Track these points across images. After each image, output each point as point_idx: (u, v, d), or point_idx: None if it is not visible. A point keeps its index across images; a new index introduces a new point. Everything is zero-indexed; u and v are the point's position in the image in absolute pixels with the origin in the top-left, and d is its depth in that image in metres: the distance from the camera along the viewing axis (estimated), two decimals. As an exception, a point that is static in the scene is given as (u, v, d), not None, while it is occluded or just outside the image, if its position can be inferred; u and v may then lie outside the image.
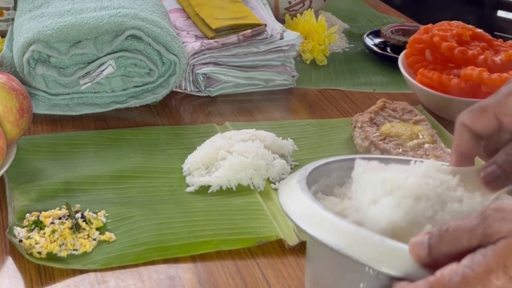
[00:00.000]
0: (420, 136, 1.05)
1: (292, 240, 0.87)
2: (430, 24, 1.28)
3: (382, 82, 1.34)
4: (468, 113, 0.66)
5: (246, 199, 0.95)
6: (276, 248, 0.87)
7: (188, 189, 0.96)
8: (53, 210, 0.88)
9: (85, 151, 1.05)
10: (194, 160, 1.00)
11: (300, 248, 0.86)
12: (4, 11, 1.38)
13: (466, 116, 0.66)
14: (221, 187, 0.96)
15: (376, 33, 1.51)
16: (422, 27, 1.28)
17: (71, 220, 0.87)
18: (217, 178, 0.96)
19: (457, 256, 0.54)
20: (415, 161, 0.68)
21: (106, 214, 0.90)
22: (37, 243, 0.83)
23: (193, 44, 1.24)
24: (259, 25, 1.27)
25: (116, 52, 1.14)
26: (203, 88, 1.24)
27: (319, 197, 0.72)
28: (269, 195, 0.96)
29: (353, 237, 0.57)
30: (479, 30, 1.26)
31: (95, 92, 1.16)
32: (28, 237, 0.84)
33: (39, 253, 0.83)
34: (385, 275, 0.56)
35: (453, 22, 1.27)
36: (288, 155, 1.04)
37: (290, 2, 1.55)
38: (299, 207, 0.64)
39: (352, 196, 0.67)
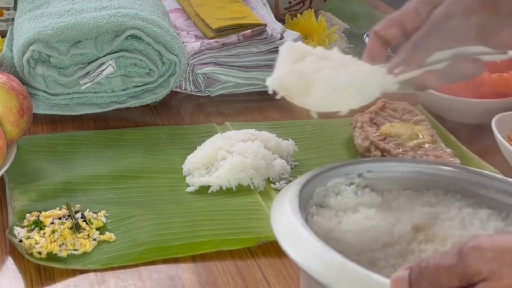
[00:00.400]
0: (420, 136, 1.05)
1: (292, 240, 0.87)
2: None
3: (382, 82, 1.34)
4: (380, 24, 0.76)
5: (246, 199, 0.95)
6: (276, 248, 0.87)
7: (188, 189, 0.97)
8: (53, 210, 0.88)
9: (85, 151, 1.05)
10: (194, 160, 1.00)
11: (300, 248, 0.86)
12: (4, 11, 1.38)
13: (379, 26, 0.76)
14: (221, 187, 0.96)
15: (376, 33, 1.51)
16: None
17: (71, 220, 0.87)
18: (217, 178, 0.96)
19: None
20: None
21: (106, 214, 0.90)
22: (37, 243, 0.83)
23: (193, 44, 1.24)
24: (259, 25, 1.27)
25: (116, 52, 1.14)
26: (203, 88, 1.24)
27: (313, 213, 0.73)
28: (269, 195, 0.96)
29: (340, 270, 0.59)
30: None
31: (95, 92, 1.16)
32: (28, 237, 0.84)
33: (39, 253, 0.83)
34: None
35: (453, 22, 1.27)
36: (288, 155, 1.04)
37: (290, 2, 1.55)
38: (290, 236, 0.66)
39: None
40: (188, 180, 0.98)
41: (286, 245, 0.65)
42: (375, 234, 0.70)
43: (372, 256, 0.68)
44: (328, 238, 0.70)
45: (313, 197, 0.75)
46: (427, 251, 0.68)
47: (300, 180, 0.74)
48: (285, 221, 0.67)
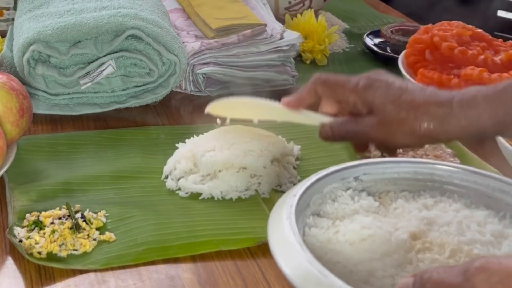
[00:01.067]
0: (420, 136, 1.05)
1: (292, 240, 0.87)
2: (430, 24, 1.28)
3: (382, 82, 1.34)
4: (322, 83, 0.88)
5: (246, 200, 0.95)
6: (276, 248, 0.87)
7: (181, 194, 0.96)
8: (53, 210, 0.88)
9: (85, 151, 1.05)
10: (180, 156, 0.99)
11: (300, 248, 0.86)
12: (4, 11, 1.38)
13: (320, 84, 0.88)
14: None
15: (376, 33, 1.51)
16: (422, 27, 1.28)
17: (71, 220, 0.87)
18: (214, 188, 0.95)
19: None
20: None
21: (106, 214, 0.90)
22: (37, 243, 0.83)
23: (193, 44, 1.24)
24: (259, 25, 1.27)
25: (116, 52, 1.14)
26: (203, 88, 1.24)
27: (310, 224, 0.73)
28: (269, 195, 0.96)
29: None
30: (479, 30, 1.26)
31: (95, 92, 1.16)
32: (28, 237, 0.84)
33: (39, 253, 0.83)
34: None
35: (453, 22, 1.27)
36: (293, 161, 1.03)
37: (290, 2, 1.55)
38: (289, 258, 0.66)
39: None
40: (181, 183, 0.97)
41: (285, 269, 0.65)
42: (372, 244, 0.70)
43: (370, 266, 0.68)
44: (326, 250, 0.71)
45: (310, 206, 0.75)
46: (425, 260, 0.68)
47: (297, 190, 0.73)
48: (283, 241, 0.67)
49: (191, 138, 1.03)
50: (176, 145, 1.02)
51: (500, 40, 1.26)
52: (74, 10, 1.17)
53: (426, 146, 1.03)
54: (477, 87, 0.80)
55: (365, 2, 1.82)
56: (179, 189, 0.96)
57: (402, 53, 1.27)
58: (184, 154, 0.99)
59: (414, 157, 1.00)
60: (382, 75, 0.84)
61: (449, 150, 1.03)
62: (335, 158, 1.07)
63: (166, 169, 0.99)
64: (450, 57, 1.20)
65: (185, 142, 1.03)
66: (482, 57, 1.18)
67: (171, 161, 0.99)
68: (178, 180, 0.97)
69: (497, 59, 1.18)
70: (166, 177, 0.99)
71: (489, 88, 0.78)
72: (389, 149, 0.87)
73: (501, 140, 1.00)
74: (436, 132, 0.78)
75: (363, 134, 0.83)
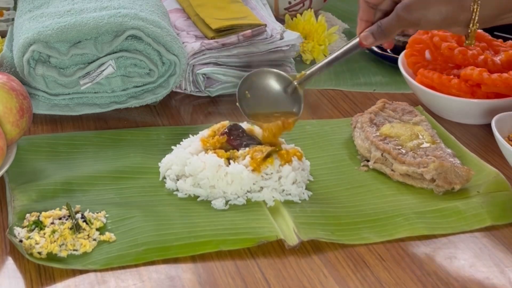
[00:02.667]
0: (420, 137, 1.05)
1: (292, 240, 0.87)
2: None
3: (382, 82, 1.34)
4: None
5: (246, 200, 0.95)
6: (276, 248, 0.87)
7: (179, 194, 0.96)
8: (53, 210, 0.88)
9: (85, 151, 1.05)
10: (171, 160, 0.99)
11: (300, 248, 0.86)
12: (4, 11, 1.38)
13: None
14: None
15: (376, 33, 1.51)
16: (422, 27, 1.28)
17: (71, 221, 0.87)
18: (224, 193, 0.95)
19: None
20: None
21: (106, 215, 0.90)
22: (37, 243, 0.83)
23: (193, 44, 1.24)
24: (259, 25, 1.27)
25: (116, 52, 1.14)
26: (203, 88, 1.24)
27: None
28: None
29: None
30: (479, 30, 1.26)
31: (95, 92, 1.16)
32: (28, 237, 0.84)
33: (39, 253, 0.83)
34: None
35: (453, 22, 1.27)
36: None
37: (290, 2, 1.55)
38: None
39: None
40: (179, 184, 0.97)
41: None
42: None
43: None
44: None
45: None
46: None
47: None
48: None
49: (187, 138, 1.03)
50: (173, 147, 1.02)
51: (500, 40, 1.26)
52: (74, 10, 1.17)
53: (426, 145, 1.03)
54: None
55: (365, 2, 1.82)
56: (178, 189, 0.96)
57: (402, 53, 1.27)
58: (174, 158, 0.99)
59: (414, 157, 1.00)
60: None
61: (449, 150, 1.03)
62: (335, 158, 1.07)
63: (162, 170, 0.99)
64: (450, 57, 1.20)
65: (180, 144, 1.03)
66: (482, 57, 1.18)
67: (164, 163, 0.99)
68: (177, 181, 0.97)
69: (497, 59, 1.18)
70: (165, 178, 0.99)
71: None
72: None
73: (501, 140, 1.00)
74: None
75: (401, 18, 0.93)
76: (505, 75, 1.14)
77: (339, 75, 1.38)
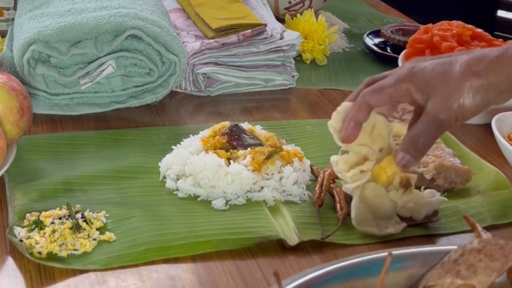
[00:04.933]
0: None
1: (292, 240, 0.87)
2: (430, 24, 1.28)
3: (382, 82, 1.34)
4: (369, 93, 0.84)
5: (246, 200, 0.95)
6: (276, 248, 0.87)
7: (180, 194, 0.96)
8: (53, 210, 0.88)
9: (85, 151, 1.05)
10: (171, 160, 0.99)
11: (300, 248, 0.86)
12: (4, 11, 1.38)
13: (368, 95, 0.84)
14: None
15: (376, 33, 1.51)
16: (422, 27, 1.28)
17: (71, 220, 0.87)
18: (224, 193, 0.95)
19: None
20: None
21: (106, 214, 0.90)
22: (37, 243, 0.83)
23: (193, 44, 1.24)
24: (259, 25, 1.27)
25: (116, 52, 1.14)
26: (203, 88, 1.24)
27: None
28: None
29: None
30: (479, 30, 1.26)
31: (95, 92, 1.16)
32: (28, 237, 0.84)
33: (39, 253, 0.83)
34: None
35: (453, 22, 1.27)
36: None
37: (290, 2, 1.55)
38: None
39: None
40: (179, 184, 0.97)
41: None
42: None
43: None
44: None
45: None
46: None
47: None
48: None
49: (188, 138, 1.03)
50: (173, 147, 1.02)
51: (500, 40, 1.26)
52: (74, 10, 1.17)
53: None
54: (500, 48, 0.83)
55: (365, 2, 1.82)
56: (178, 189, 0.96)
57: (402, 53, 1.27)
58: (174, 158, 0.98)
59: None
60: (418, 61, 0.85)
61: (449, 150, 1.03)
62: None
63: (162, 170, 0.99)
64: (450, 57, 1.20)
65: (180, 144, 1.03)
66: (482, 57, 1.18)
67: (164, 163, 0.99)
68: (177, 180, 0.97)
69: (497, 59, 1.18)
70: (165, 177, 0.99)
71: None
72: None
73: (501, 140, 1.00)
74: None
75: (437, 123, 0.81)
76: (505, 75, 1.14)
77: (339, 74, 1.38)
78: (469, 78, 0.81)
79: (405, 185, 0.89)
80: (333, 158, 0.90)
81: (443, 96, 0.81)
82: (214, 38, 1.25)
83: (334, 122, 0.89)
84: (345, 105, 0.88)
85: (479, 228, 0.73)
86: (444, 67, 0.83)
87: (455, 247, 0.67)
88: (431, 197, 0.92)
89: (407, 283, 0.68)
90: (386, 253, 0.64)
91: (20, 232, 0.85)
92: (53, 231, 0.84)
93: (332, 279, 0.67)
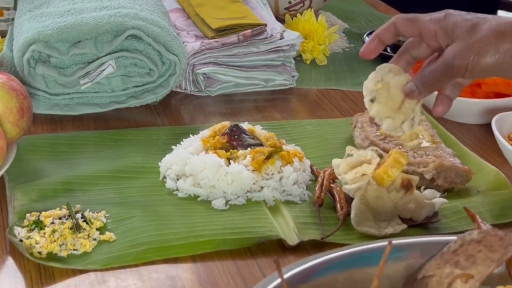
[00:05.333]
0: (420, 136, 1.05)
1: (292, 240, 0.87)
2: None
3: (382, 82, 1.34)
4: (403, 18, 0.88)
5: (246, 200, 0.95)
6: (276, 248, 0.87)
7: (180, 194, 0.96)
8: (53, 210, 0.88)
9: (85, 151, 1.05)
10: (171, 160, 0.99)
11: (300, 248, 0.86)
12: (4, 11, 1.38)
13: (400, 19, 0.88)
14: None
15: (376, 33, 1.51)
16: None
17: (71, 220, 0.87)
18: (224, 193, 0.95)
19: None
20: None
21: (107, 214, 0.90)
22: (37, 243, 0.83)
23: (193, 44, 1.24)
24: (259, 25, 1.27)
25: (116, 52, 1.14)
26: (203, 88, 1.24)
27: None
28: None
29: None
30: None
31: (95, 92, 1.16)
32: (28, 237, 0.84)
33: (39, 253, 0.82)
34: None
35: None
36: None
37: (290, 2, 1.55)
38: None
39: None
40: (179, 184, 0.96)
41: None
42: None
43: None
44: None
45: None
46: None
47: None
48: None
49: (188, 138, 1.03)
50: (173, 147, 1.02)
51: (500, 40, 1.25)
52: (74, 10, 1.17)
53: (426, 145, 1.03)
54: None
55: (365, 2, 1.82)
56: (178, 189, 0.96)
57: (402, 53, 1.27)
58: (174, 158, 0.98)
59: (414, 157, 1.00)
60: (455, 11, 0.87)
61: (449, 150, 1.03)
62: (334, 158, 1.07)
63: (162, 170, 0.99)
64: (450, 57, 1.20)
65: (180, 144, 1.03)
66: (482, 57, 1.18)
67: (164, 163, 0.99)
68: (177, 180, 0.97)
69: (497, 59, 1.18)
70: (165, 177, 0.99)
71: None
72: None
73: (501, 139, 1.00)
74: None
75: (449, 65, 0.84)
76: (505, 75, 1.14)
77: (339, 74, 1.38)
78: (495, 36, 0.83)
79: (406, 186, 0.89)
80: (335, 162, 0.90)
81: (464, 44, 0.83)
82: (214, 38, 1.25)
83: (369, 81, 0.89)
84: (384, 66, 0.89)
85: (479, 220, 0.73)
86: (477, 20, 0.85)
87: (455, 237, 0.67)
88: (432, 198, 0.92)
89: (406, 273, 0.68)
90: (385, 243, 0.63)
91: (20, 232, 0.85)
92: (53, 231, 0.84)
93: (331, 267, 0.68)
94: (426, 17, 0.87)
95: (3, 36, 1.32)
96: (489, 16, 0.86)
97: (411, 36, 0.89)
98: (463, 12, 0.87)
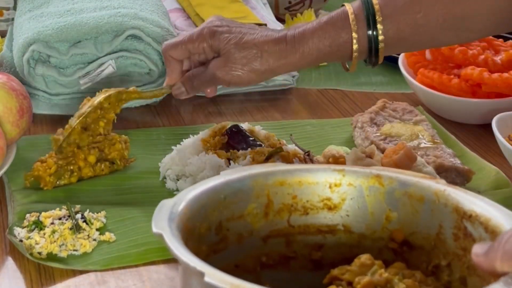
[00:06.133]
0: (420, 136, 1.05)
1: (292, 240, 0.87)
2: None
3: (383, 82, 1.34)
4: (169, 47, 0.95)
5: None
6: (276, 248, 0.87)
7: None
8: (53, 211, 0.88)
9: (85, 151, 1.05)
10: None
11: (300, 248, 0.86)
12: (4, 11, 1.38)
13: (172, 50, 0.95)
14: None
15: (376, 33, 1.51)
16: (422, 27, 1.28)
17: (71, 221, 0.87)
18: None
19: None
20: None
21: (106, 215, 0.90)
22: (37, 244, 0.83)
23: (193, 44, 1.23)
24: (259, 25, 1.26)
25: (116, 52, 1.14)
26: (203, 88, 1.24)
27: None
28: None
29: None
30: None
31: (95, 92, 1.16)
32: (28, 238, 0.84)
33: (39, 253, 0.82)
34: None
35: (453, 22, 1.27)
36: None
37: (290, 2, 1.55)
38: None
39: None
40: (179, 184, 0.97)
41: None
42: None
43: None
44: None
45: None
46: None
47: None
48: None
49: (188, 138, 1.03)
50: (173, 147, 1.02)
51: (500, 40, 1.26)
52: (74, 10, 1.17)
53: (427, 145, 1.03)
54: (305, 23, 0.94)
55: (365, 2, 1.82)
56: (178, 189, 0.96)
57: (403, 53, 1.27)
58: (174, 158, 0.98)
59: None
60: (223, 20, 0.95)
61: (449, 150, 1.03)
62: (335, 158, 1.07)
63: (162, 170, 0.99)
64: (450, 57, 1.20)
65: (180, 144, 1.03)
66: (482, 57, 1.18)
67: (164, 163, 0.99)
68: (177, 181, 0.97)
69: (497, 59, 1.18)
70: (165, 178, 0.99)
71: (315, 22, 0.92)
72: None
73: (501, 140, 1.00)
74: (275, 66, 0.92)
75: (212, 77, 0.93)
76: (505, 75, 1.14)
77: (339, 74, 1.37)
78: (252, 49, 0.91)
79: None
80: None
81: (227, 60, 0.92)
82: (214, 38, 1.25)
83: None
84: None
85: None
86: (241, 35, 0.92)
87: None
88: None
89: None
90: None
91: (20, 232, 0.85)
92: (53, 232, 0.84)
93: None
94: (194, 40, 0.94)
95: (3, 36, 1.32)
96: (247, 30, 0.93)
97: (183, 56, 0.96)
98: (225, 24, 0.94)
